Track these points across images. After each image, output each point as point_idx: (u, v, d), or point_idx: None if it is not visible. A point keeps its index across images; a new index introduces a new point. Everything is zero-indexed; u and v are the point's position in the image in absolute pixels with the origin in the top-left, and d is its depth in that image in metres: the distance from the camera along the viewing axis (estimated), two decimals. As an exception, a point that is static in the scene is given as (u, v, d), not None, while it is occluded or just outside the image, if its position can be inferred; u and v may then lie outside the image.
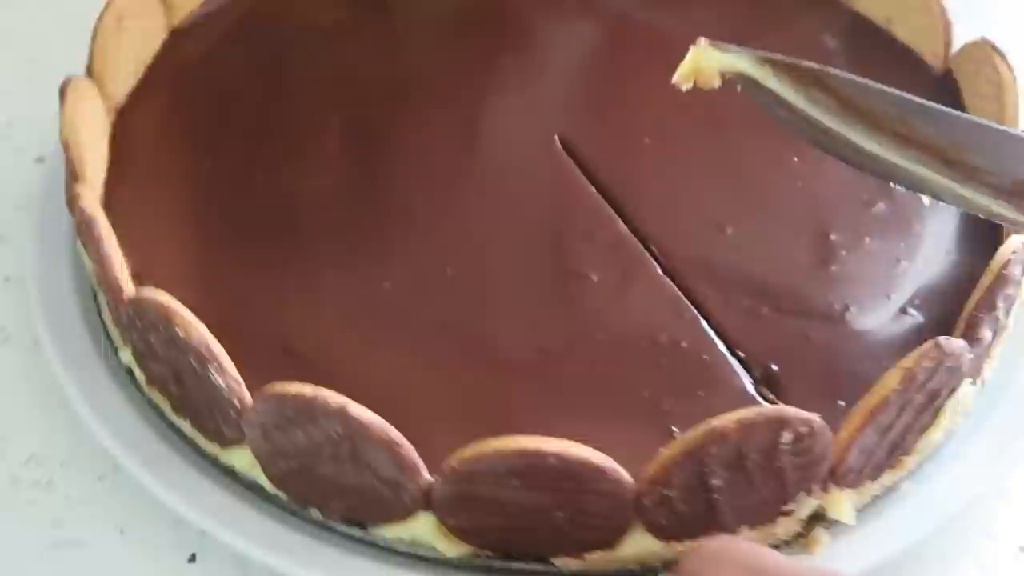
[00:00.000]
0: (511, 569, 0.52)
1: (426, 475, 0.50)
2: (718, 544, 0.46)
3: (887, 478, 0.55)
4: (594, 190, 0.65)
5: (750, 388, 0.56)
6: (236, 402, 0.52)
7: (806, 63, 0.52)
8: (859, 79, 0.52)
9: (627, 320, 0.59)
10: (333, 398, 0.48)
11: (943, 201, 0.53)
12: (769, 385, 0.56)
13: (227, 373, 0.52)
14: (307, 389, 0.49)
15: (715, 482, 0.49)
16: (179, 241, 0.62)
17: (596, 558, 0.52)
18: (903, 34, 0.76)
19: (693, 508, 0.50)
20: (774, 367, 0.56)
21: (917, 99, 0.52)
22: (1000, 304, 0.55)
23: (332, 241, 0.63)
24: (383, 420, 0.48)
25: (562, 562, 0.52)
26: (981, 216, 0.53)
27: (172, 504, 0.55)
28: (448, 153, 0.68)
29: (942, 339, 0.50)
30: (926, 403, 0.53)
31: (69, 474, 0.59)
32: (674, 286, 0.60)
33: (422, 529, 0.52)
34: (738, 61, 0.52)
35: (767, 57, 0.52)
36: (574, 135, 0.68)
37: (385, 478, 0.50)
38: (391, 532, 0.53)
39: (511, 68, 0.74)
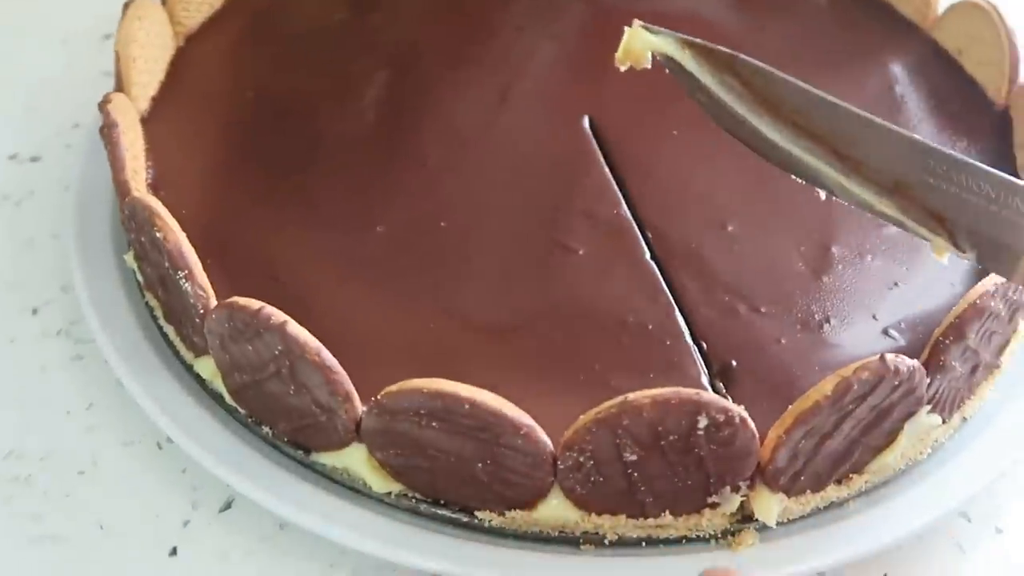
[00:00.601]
0: (437, 515, 0.53)
1: (359, 406, 0.51)
2: None
3: (832, 492, 0.54)
4: (608, 171, 0.66)
5: (703, 379, 0.55)
6: (201, 310, 0.54)
7: (721, 48, 0.53)
8: (765, 67, 0.53)
9: (600, 296, 0.59)
10: (275, 315, 0.50)
11: (836, 196, 0.53)
12: (724, 380, 0.55)
13: (195, 281, 0.54)
14: (253, 304, 0.51)
15: (630, 457, 0.49)
16: (203, 160, 0.65)
17: (516, 517, 0.52)
18: (971, 66, 0.75)
19: (610, 481, 0.50)
20: (733, 363, 0.56)
21: (814, 90, 0.52)
22: (972, 335, 0.53)
23: (341, 181, 0.64)
24: (319, 343, 0.50)
25: (485, 516, 0.53)
26: (866, 211, 0.53)
27: (141, 401, 0.57)
28: (476, 115, 0.69)
29: (889, 355, 0.49)
30: (874, 420, 0.52)
31: (48, 469, 0.58)
32: (657, 272, 0.60)
33: (354, 460, 0.53)
34: (664, 44, 0.54)
35: (688, 40, 0.53)
36: (605, 118, 0.69)
37: (321, 403, 0.52)
38: (329, 459, 0.54)
39: (555, 46, 0.75)
